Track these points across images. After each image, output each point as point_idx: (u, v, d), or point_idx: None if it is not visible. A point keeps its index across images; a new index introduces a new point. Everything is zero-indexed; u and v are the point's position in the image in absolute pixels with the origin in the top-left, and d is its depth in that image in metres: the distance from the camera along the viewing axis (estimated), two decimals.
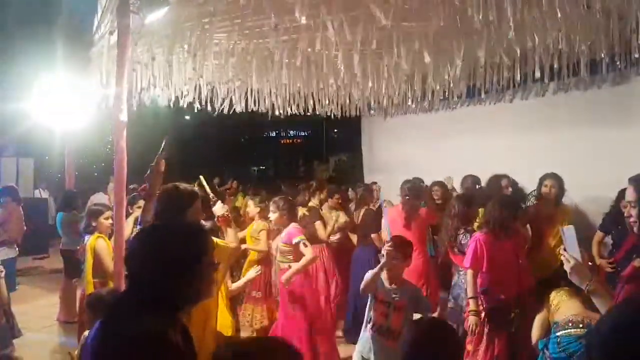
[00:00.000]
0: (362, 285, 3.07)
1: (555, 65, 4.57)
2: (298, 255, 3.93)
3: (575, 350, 2.58)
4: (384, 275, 3.05)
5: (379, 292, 3.03)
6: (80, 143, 6.26)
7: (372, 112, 7.85)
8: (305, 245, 3.91)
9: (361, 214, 5.60)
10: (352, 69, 4.29)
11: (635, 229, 1.90)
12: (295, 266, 3.88)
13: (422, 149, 7.42)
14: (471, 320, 3.43)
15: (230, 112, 6.13)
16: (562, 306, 2.64)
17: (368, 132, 9.18)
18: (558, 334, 2.67)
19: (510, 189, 4.78)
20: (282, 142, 23.76)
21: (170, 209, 2.40)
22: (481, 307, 3.42)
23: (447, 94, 5.90)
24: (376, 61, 4.81)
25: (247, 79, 5.08)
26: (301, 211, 5.29)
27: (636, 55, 4.00)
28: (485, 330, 3.39)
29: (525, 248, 3.88)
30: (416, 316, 2.97)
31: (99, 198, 8.08)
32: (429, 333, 1.86)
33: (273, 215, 4.19)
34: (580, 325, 2.55)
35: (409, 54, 4.04)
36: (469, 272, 3.51)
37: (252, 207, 5.47)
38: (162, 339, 1.29)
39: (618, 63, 4.28)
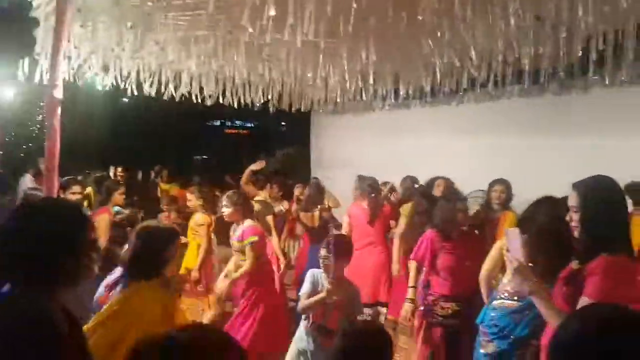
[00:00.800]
0: (302, 306, 3.02)
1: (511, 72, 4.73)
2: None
3: (505, 325, 2.67)
4: (324, 274, 3.02)
5: (317, 291, 3.00)
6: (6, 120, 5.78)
7: (322, 108, 7.84)
8: (252, 251, 3.82)
9: (316, 214, 5.53)
10: (303, 62, 4.25)
11: (576, 233, 1.98)
12: (232, 276, 3.80)
13: (372, 147, 7.52)
14: (406, 307, 3.61)
15: (171, 98, 5.87)
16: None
17: (317, 128, 9.17)
18: (494, 302, 2.78)
19: (443, 190, 4.84)
20: (227, 131, 23.26)
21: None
22: (422, 301, 3.52)
23: (397, 94, 5.98)
24: (327, 56, 4.77)
25: (190, 64, 4.87)
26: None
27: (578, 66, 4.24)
28: (424, 324, 3.49)
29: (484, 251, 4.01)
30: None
31: (26, 181, 7.54)
32: (359, 339, 1.86)
33: (227, 210, 4.03)
34: (515, 297, 2.66)
35: (360, 51, 4.04)
36: (412, 263, 3.64)
37: (194, 199, 5.27)
38: (38, 316, 1.27)
39: (561, 73, 4.49)
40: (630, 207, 3.80)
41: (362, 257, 4.57)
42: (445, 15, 3.32)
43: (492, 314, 2.74)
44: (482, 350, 2.75)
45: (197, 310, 4.54)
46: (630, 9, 3.30)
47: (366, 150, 7.60)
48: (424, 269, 3.55)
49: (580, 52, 3.97)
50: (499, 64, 4.62)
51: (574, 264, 1.99)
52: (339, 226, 5.06)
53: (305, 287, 3.05)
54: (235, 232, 4.02)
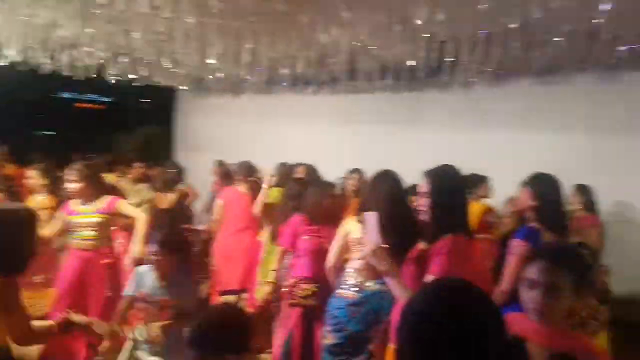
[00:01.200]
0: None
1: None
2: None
3: (341, 317, 2.66)
4: (153, 273, 2.73)
5: (143, 291, 2.70)
6: None
7: (189, 86, 7.47)
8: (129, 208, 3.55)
9: (170, 197, 5.24)
10: (171, 38, 3.98)
11: (424, 217, 2.16)
12: (138, 235, 3.36)
13: (241, 131, 7.39)
14: (263, 289, 3.67)
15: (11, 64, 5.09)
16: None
17: (184, 108, 8.74)
18: (336, 292, 2.78)
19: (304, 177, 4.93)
20: (78, 105, 20.87)
21: None
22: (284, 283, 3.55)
23: (270, 78, 5.96)
24: (199, 36, 4.54)
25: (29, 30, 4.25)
26: None
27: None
28: (283, 307, 3.54)
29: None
30: None
31: None
32: (211, 319, 1.79)
33: (74, 186, 3.44)
34: (356, 289, 2.67)
35: (231, 32, 3.94)
36: (278, 248, 3.66)
37: (36, 179, 4.53)
38: None
39: (420, 73, 4.89)
40: (469, 195, 4.32)
41: (235, 242, 4.49)
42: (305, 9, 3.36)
43: (333, 304, 2.75)
44: (324, 341, 2.78)
45: (37, 306, 4.01)
46: (479, 18, 3.71)
47: (235, 134, 7.46)
48: (290, 253, 3.58)
49: (437, 54, 4.36)
50: (368, 59, 4.90)
51: (422, 245, 2.17)
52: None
53: (130, 287, 2.75)
54: (90, 206, 3.50)
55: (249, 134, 7.32)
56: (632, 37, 4.00)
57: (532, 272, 1.50)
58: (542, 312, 1.47)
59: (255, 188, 4.58)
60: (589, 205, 4.32)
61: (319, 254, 3.44)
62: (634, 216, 4.76)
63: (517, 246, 2.53)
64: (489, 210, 4.38)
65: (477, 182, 4.61)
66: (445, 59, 4.70)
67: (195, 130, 8.45)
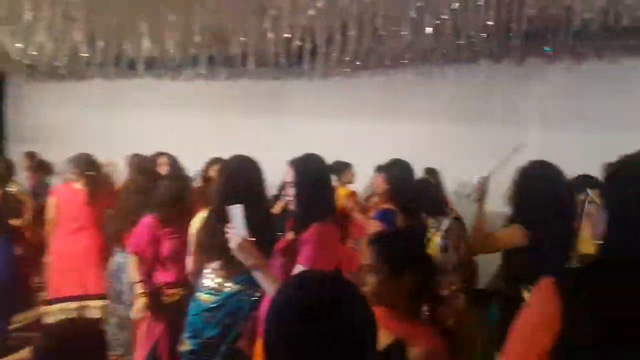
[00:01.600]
0: None
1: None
2: None
3: (196, 324, 2.43)
4: None
5: None
6: None
7: (23, 71, 6.50)
8: None
9: None
10: None
11: (291, 206, 2.10)
12: None
13: (87, 120, 6.66)
14: (138, 302, 3.16)
15: None
16: None
17: (15, 96, 7.61)
18: (195, 295, 2.54)
19: (168, 168, 4.64)
20: None
21: None
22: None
23: (119, 62, 5.42)
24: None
25: None
26: None
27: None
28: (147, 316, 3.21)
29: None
30: None
31: None
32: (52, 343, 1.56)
33: None
34: (214, 292, 2.46)
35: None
36: (132, 257, 3.19)
37: None
38: None
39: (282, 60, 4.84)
40: (334, 182, 4.42)
41: (71, 243, 4.01)
42: None
43: (191, 309, 2.53)
44: (181, 347, 2.56)
45: None
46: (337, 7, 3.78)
47: (81, 123, 6.69)
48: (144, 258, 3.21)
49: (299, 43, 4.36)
50: (225, 44, 4.71)
51: (290, 235, 2.12)
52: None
53: None
54: None
55: (98, 123, 6.63)
56: (476, 31, 4.43)
57: (367, 257, 1.54)
58: (379, 296, 1.48)
59: (93, 183, 4.11)
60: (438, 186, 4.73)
61: (182, 256, 3.17)
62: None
63: (373, 226, 2.68)
64: (352, 195, 4.58)
65: (342, 168, 4.78)
66: (306, 48, 4.76)
67: (32, 120, 7.40)
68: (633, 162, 1.16)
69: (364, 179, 4.74)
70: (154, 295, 3.17)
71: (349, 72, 5.59)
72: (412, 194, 2.95)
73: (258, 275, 1.90)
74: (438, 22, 4.15)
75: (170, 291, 3.14)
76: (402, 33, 4.41)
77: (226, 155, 4.36)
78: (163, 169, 4.44)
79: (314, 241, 1.94)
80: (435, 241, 3.18)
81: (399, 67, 5.46)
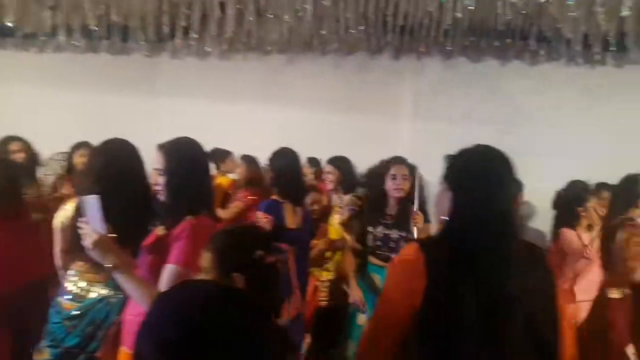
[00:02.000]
0: None
1: None
2: None
3: (58, 333, 2.16)
4: None
5: None
6: None
7: None
8: None
9: None
10: None
11: (161, 196, 1.85)
12: None
13: None
14: None
15: None
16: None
17: None
18: (57, 298, 2.24)
19: (22, 155, 3.96)
20: None
21: None
22: None
23: None
24: None
25: None
26: None
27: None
28: None
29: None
30: None
31: None
32: None
33: None
34: (76, 298, 2.18)
35: None
36: None
37: None
38: None
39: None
40: (214, 171, 4.16)
41: None
42: None
43: (51, 316, 2.20)
44: (36, 355, 2.20)
45: None
46: None
47: None
48: None
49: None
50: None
51: (159, 230, 1.87)
52: None
53: None
54: None
55: None
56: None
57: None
58: None
59: None
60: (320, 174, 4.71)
61: (12, 256, 2.64)
62: None
63: (261, 218, 2.63)
64: (232, 184, 4.35)
65: (222, 156, 4.52)
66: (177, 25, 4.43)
67: None
68: (468, 154, 1.42)
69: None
70: None
71: (227, 53, 5.32)
72: (297, 183, 2.88)
73: (119, 277, 1.65)
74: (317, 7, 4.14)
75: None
76: (284, 17, 4.32)
77: (91, 138, 3.85)
78: (17, 157, 3.76)
79: (188, 238, 1.71)
80: (334, 220, 3.20)
81: (281, 51, 5.33)
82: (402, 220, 2.95)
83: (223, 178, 4.43)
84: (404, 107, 5.35)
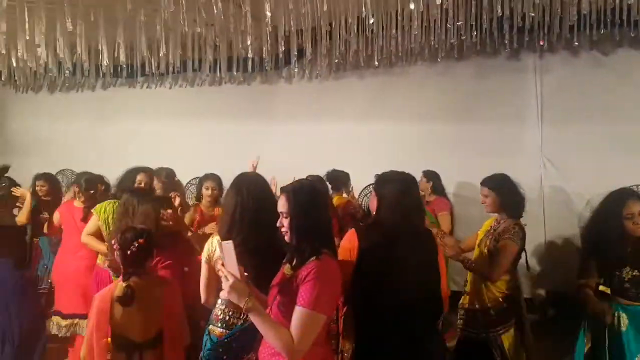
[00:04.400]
0: None
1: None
2: None
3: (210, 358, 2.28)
4: None
5: None
6: None
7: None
8: None
9: None
10: None
11: (287, 238, 1.93)
12: None
13: (73, 132, 6.49)
14: None
15: None
16: None
17: None
18: (208, 326, 2.36)
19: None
20: None
21: None
22: None
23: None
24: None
25: None
26: None
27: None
28: None
29: None
30: None
31: None
32: None
33: None
34: (220, 324, 2.30)
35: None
36: None
37: None
38: None
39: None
40: (330, 191, 4.22)
41: (70, 262, 3.86)
42: None
43: (205, 342, 2.33)
44: None
45: None
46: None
47: (67, 135, 6.50)
48: None
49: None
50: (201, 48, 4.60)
51: (286, 270, 1.95)
52: None
53: None
54: None
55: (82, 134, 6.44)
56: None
57: None
58: None
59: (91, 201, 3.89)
60: (439, 189, 4.56)
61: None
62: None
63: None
64: (349, 203, 4.35)
65: (344, 179, 4.45)
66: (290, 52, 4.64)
67: (12, 131, 7.15)
68: (384, 176, 2.40)
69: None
70: None
71: (336, 73, 5.43)
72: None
73: (255, 319, 1.75)
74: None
75: None
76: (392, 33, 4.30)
77: (220, 168, 4.11)
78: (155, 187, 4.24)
79: (315, 280, 1.76)
80: None
81: (387, 66, 5.28)
82: None
83: (340, 197, 4.43)
84: (528, 110, 4.94)
